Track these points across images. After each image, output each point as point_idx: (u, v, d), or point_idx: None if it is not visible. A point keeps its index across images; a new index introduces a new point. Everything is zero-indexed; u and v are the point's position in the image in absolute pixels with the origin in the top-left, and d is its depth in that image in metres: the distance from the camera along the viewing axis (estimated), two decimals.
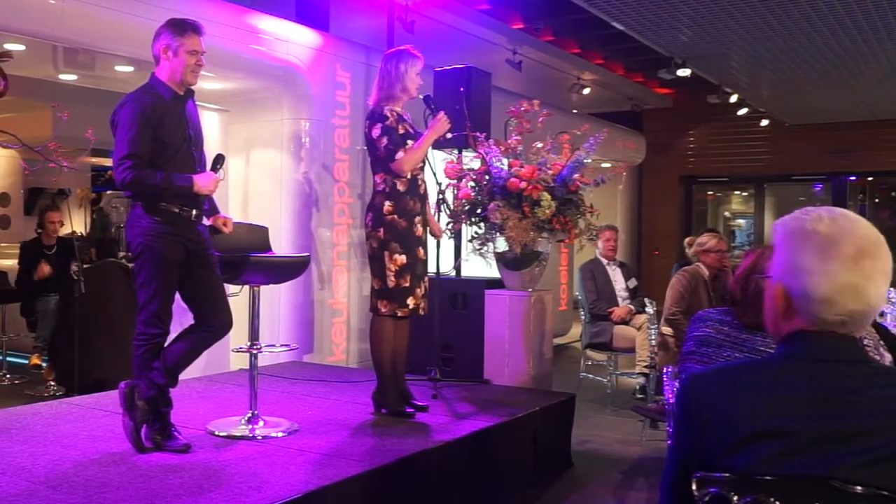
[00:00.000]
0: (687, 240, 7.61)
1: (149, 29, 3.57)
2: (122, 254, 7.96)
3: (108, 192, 10.80)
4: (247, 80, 6.08)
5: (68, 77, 5.87)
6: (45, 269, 6.55)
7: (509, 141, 5.08)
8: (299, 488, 3.00)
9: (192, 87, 3.56)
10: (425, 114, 4.48)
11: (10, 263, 7.43)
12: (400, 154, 4.07)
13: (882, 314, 5.05)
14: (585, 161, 4.95)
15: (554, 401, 4.74)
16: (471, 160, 5.24)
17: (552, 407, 4.64)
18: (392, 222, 4.10)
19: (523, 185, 4.77)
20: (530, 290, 5.13)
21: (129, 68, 5.55)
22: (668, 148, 13.07)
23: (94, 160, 9.71)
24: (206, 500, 2.88)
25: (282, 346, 5.13)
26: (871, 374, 1.36)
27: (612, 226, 7.04)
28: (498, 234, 4.91)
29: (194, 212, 3.47)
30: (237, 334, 4.02)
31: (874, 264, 1.34)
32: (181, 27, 3.44)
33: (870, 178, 12.92)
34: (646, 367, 5.78)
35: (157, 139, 3.36)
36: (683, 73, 8.27)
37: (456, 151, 5.30)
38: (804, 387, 1.32)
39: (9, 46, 4.96)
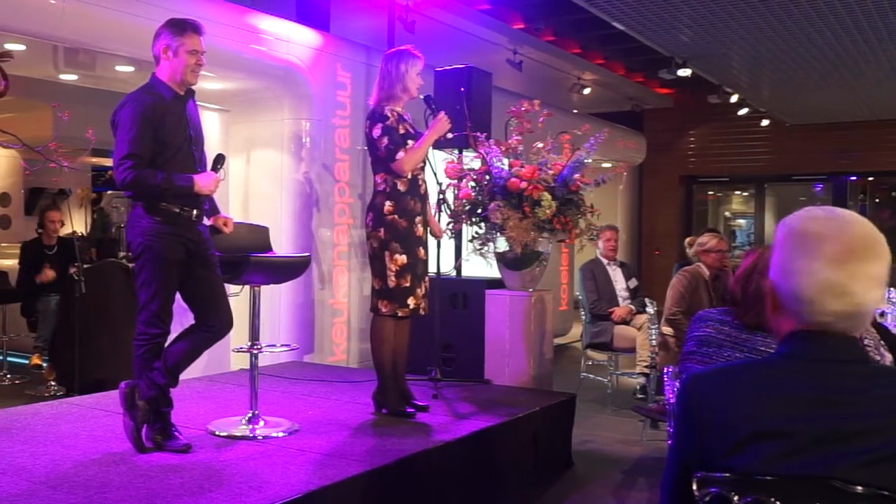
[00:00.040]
0: (687, 240, 7.60)
1: (149, 29, 3.57)
2: (122, 254, 7.97)
3: (109, 192, 10.80)
4: (247, 80, 6.08)
5: (69, 77, 5.87)
6: (50, 273, 6.54)
7: (510, 141, 5.08)
8: (300, 488, 3.00)
9: (193, 87, 3.56)
10: (426, 114, 4.48)
11: (11, 263, 7.44)
12: (400, 154, 4.07)
13: (882, 314, 5.04)
14: (586, 161, 4.95)
15: (554, 401, 4.74)
16: (471, 160, 5.24)
17: (553, 407, 4.64)
18: (393, 222, 4.10)
19: (524, 185, 4.77)
20: (531, 290, 5.13)
21: (130, 68, 5.55)
22: (669, 148, 13.07)
23: (94, 160, 9.70)
24: (207, 500, 2.88)
25: (282, 346, 5.13)
26: (872, 374, 1.36)
27: (613, 226, 7.04)
28: (498, 234, 4.91)
29: (195, 212, 3.47)
30: (238, 334, 4.02)
31: (862, 265, 1.32)
32: (181, 27, 3.45)
33: (870, 178, 12.92)
34: (646, 367, 5.78)
35: (158, 139, 3.37)
36: (684, 73, 8.27)
37: (456, 151, 5.30)
38: (804, 387, 1.32)
39: (9, 46, 4.96)
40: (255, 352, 3.96)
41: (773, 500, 1.23)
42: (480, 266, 5.38)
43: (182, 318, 3.62)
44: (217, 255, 3.62)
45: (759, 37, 7.21)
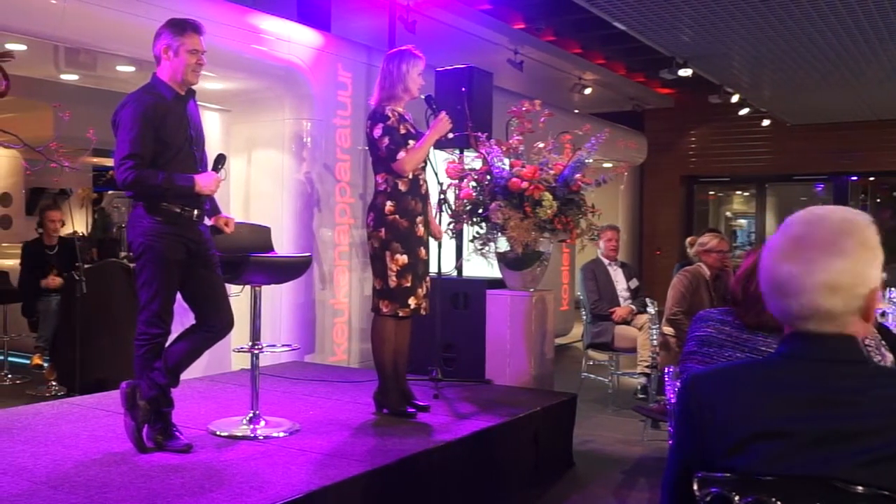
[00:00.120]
0: (688, 240, 7.60)
1: (150, 29, 3.57)
2: (123, 254, 7.96)
3: (110, 192, 10.80)
4: (248, 80, 6.08)
5: (70, 77, 5.88)
6: (56, 280, 6.54)
7: (511, 141, 5.08)
8: (301, 488, 3.00)
9: (194, 87, 3.57)
10: (427, 114, 4.48)
11: (12, 263, 7.44)
12: (401, 154, 4.07)
13: (883, 314, 5.04)
14: (587, 161, 4.95)
15: (555, 401, 4.74)
16: (472, 160, 5.24)
17: (553, 407, 4.64)
18: (394, 222, 4.10)
19: (525, 185, 4.77)
20: (532, 290, 5.13)
21: (131, 68, 5.55)
22: (670, 148, 13.07)
23: (95, 160, 9.71)
24: (208, 500, 2.88)
25: (283, 346, 5.13)
26: (872, 374, 1.36)
27: (614, 226, 7.04)
28: (499, 234, 4.91)
29: (196, 212, 3.48)
30: (238, 334, 4.02)
31: (819, 255, 1.30)
32: (181, 27, 3.45)
33: (871, 178, 12.91)
34: (647, 367, 5.78)
35: (159, 139, 3.37)
36: (685, 73, 8.27)
37: (457, 151, 5.30)
38: (804, 387, 1.32)
39: (10, 46, 4.96)
40: (256, 352, 3.96)
41: (773, 499, 1.23)
42: (481, 266, 5.38)
43: (183, 317, 3.62)
44: (218, 255, 3.62)
45: (760, 37, 7.20)
